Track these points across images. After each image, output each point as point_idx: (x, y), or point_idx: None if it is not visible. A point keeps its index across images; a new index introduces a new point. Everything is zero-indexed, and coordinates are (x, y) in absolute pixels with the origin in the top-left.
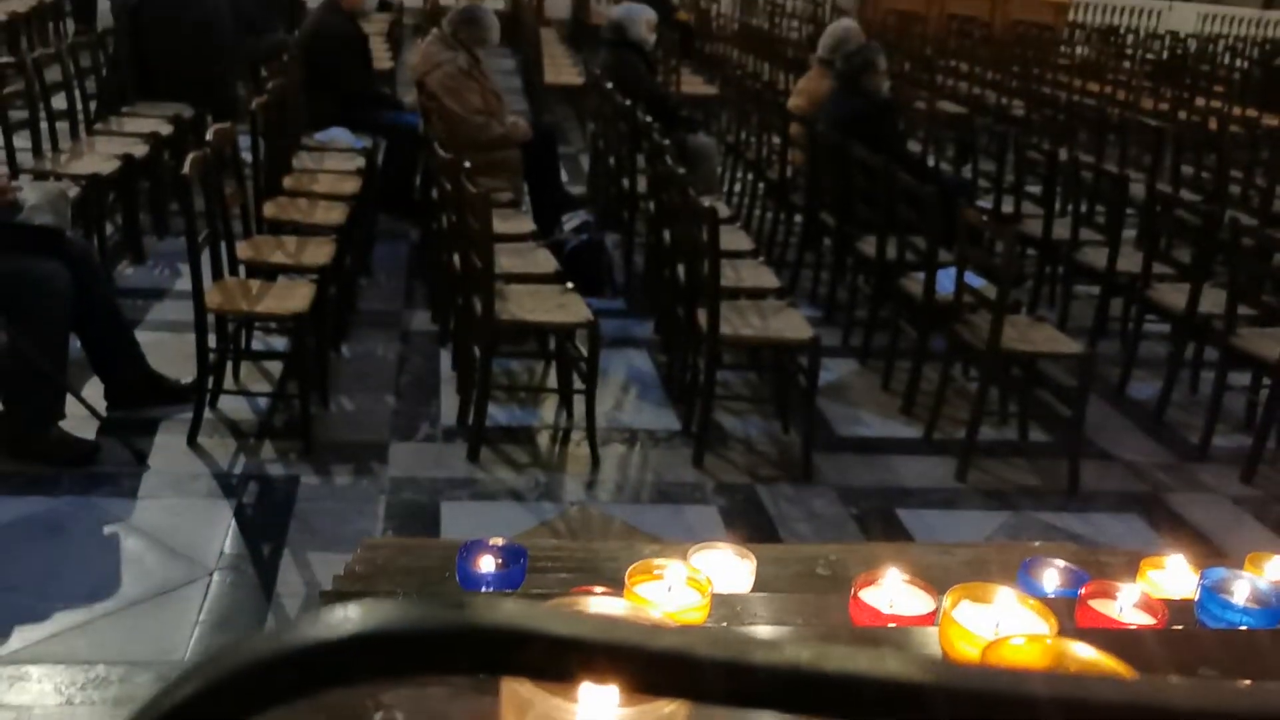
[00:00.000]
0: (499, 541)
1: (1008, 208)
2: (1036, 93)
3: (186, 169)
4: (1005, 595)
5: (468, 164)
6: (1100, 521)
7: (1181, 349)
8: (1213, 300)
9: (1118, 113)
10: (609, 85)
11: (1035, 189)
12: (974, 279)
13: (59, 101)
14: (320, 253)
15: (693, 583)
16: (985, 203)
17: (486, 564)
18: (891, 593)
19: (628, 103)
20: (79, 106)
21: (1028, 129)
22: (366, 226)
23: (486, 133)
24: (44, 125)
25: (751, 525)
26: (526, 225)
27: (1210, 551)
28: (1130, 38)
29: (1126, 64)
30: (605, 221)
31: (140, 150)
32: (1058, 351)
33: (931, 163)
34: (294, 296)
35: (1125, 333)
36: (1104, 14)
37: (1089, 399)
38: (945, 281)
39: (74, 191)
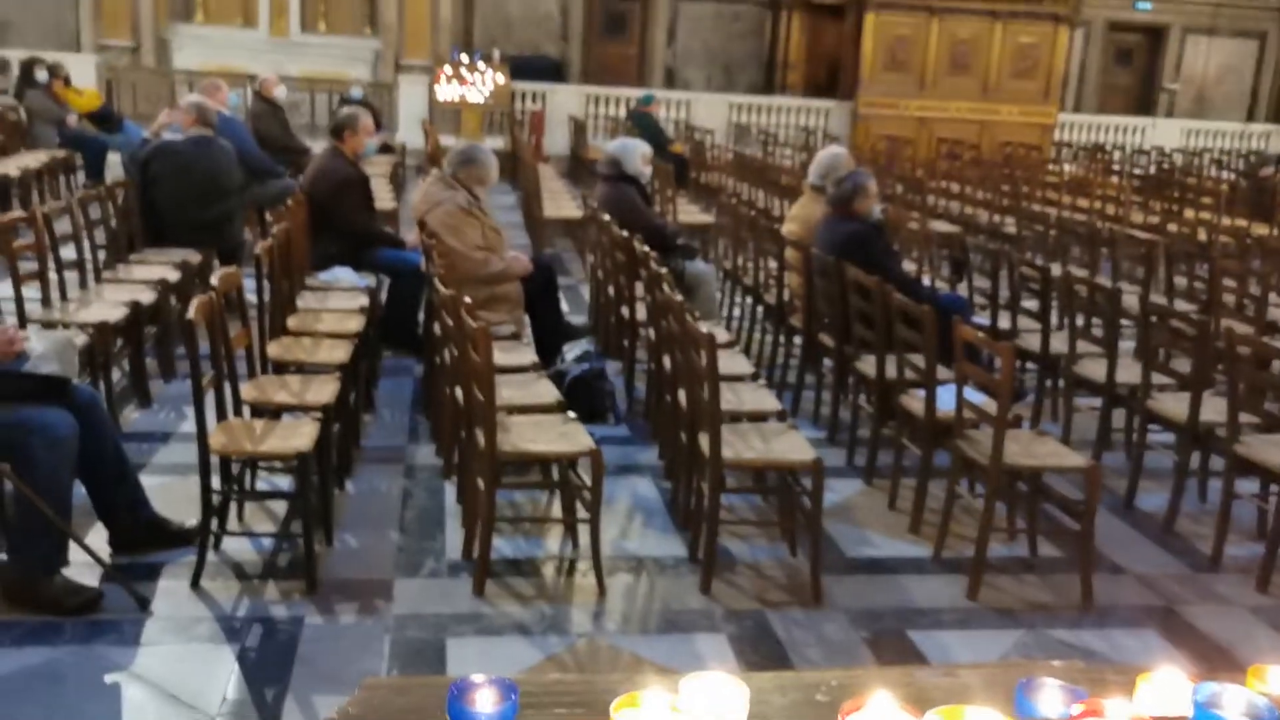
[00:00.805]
0: (489, 679)
1: (1005, 323)
2: (1027, 210)
3: (192, 313)
4: (986, 717)
5: (468, 299)
6: (1115, 637)
7: (1187, 459)
8: (1215, 409)
9: (1108, 227)
10: (607, 217)
11: (1031, 304)
12: (974, 395)
13: (68, 252)
14: (324, 390)
15: (676, 713)
16: (982, 319)
17: (478, 702)
18: (877, 719)
19: (626, 233)
20: (88, 256)
21: (1020, 246)
22: (370, 363)
23: (487, 268)
24: (53, 276)
25: (761, 652)
26: (528, 356)
27: (1227, 664)
28: (1116, 154)
29: (1114, 179)
30: (606, 350)
31: (148, 297)
32: (1063, 465)
33: (927, 281)
34: (298, 435)
35: (1130, 444)
36: (1089, 132)
37: (1098, 512)
38: (946, 398)
39: (82, 340)
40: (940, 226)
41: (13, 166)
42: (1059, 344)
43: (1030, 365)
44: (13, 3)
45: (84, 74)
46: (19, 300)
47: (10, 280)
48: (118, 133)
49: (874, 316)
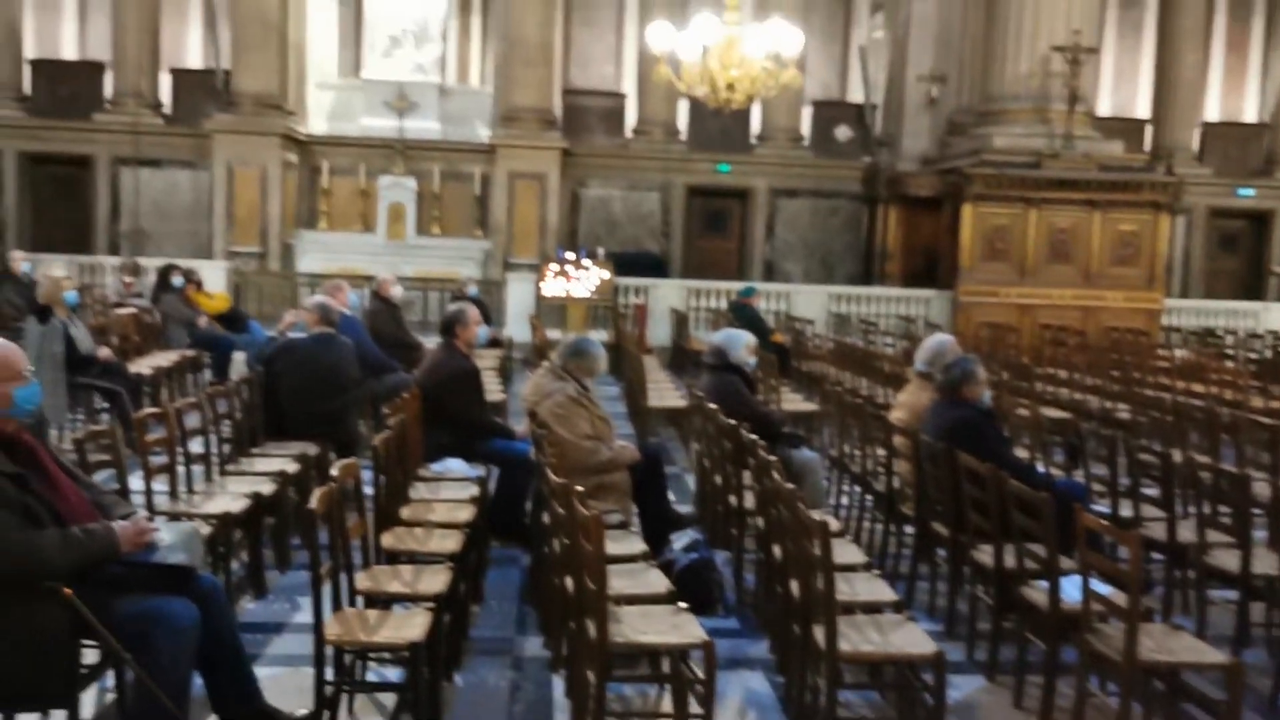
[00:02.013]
0: None
1: (1126, 511)
2: (1140, 395)
3: (314, 503)
4: None
5: (580, 488)
6: None
7: None
8: None
9: (1228, 412)
10: (713, 406)
11: (1152, 491)
12: (1100, 586)
13: (196, 445)
14: (436, 581)
15: None
16: (1101, 507)
17: None
18: None
19: (732, 422)
20: (213, 450)
21: (1135, 431)
22: (480, 553)
23: (596, 457)
24: (181, 469)
25: None
26: (637, 546)
27: None
28: (1229, 338)
29: (1229, 364)
30: (714, 539)
31: (268, 488)
32: (1201, 662)
33: (1041, 468)
34: (411, 626)
35: (1271, 639)
36: (1197, 317)
37: (1241, 713)
38: (1070, 590)
39: (205, 530)
40: (1051, 413)
41: (146, 366)
42: (1186, 532)
43: (1156, 555)
44: (153, 215)
45: (215, 279)
46: (148, 492)
47: (142, 473)
48: (244, 333)
49: (989, 504)
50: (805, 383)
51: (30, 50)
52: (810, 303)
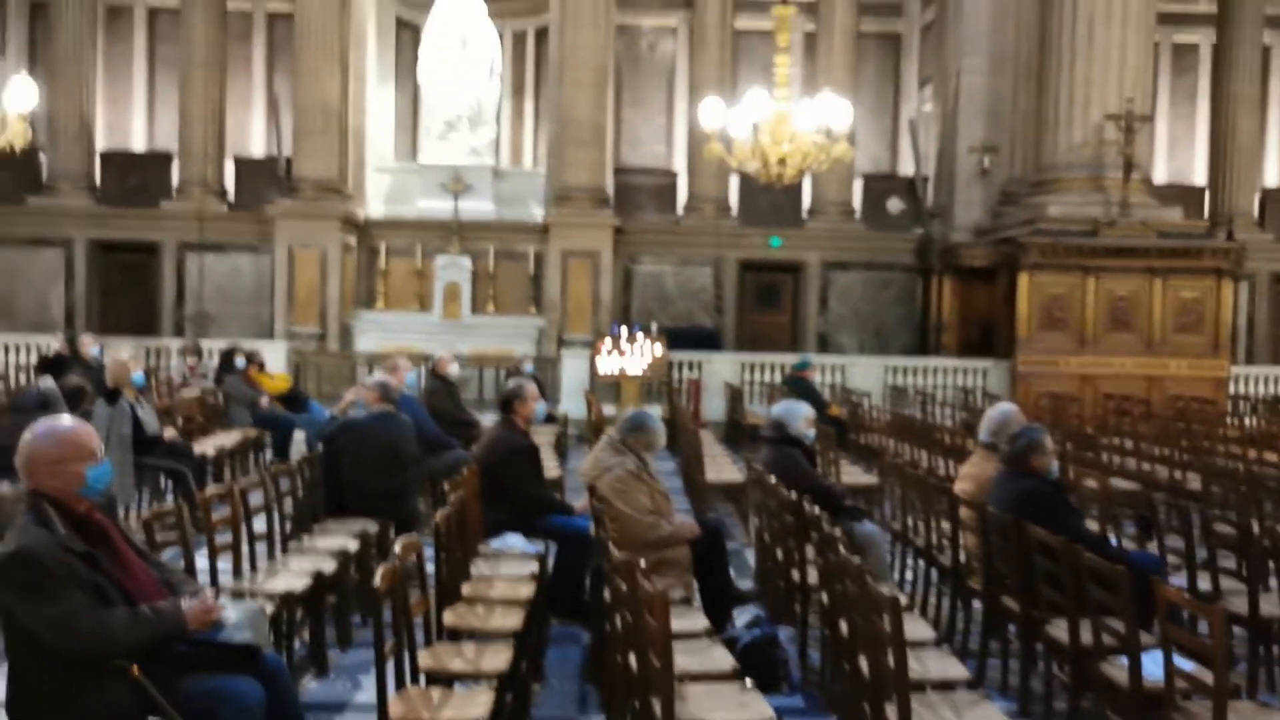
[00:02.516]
0: None
1: (1204, 585)
2: (1210, 465)
3: (378, 581)
4: None
5: (641, 563)
6: None
7: None
8: None
9: None
10: (772, 480)
11: (1229, 563)
12: (1182, 662)
13: (259, 524)
14: (498, 658)
15: None
16: (1178, 580)
17: None
18: None
19: (793, 495)
20: (276, 528)
21: (1208, 502)
22: (540, 630)
23: (656, 532)
24: (245, 547)
25: None
26: (699, 622)
27: None
28: None
29: None
30: (776, 615)
31: (329, 566)
32: None
33: (1113, 541)
34: (474, 705)
35: None
36: (1265, 384)
37: None
38: (1151, 666)
39: (269, 609)
40: (1120, 484)
41: (210, 446)
42: (1269, 606)
43: (1237, 629)
44: (217, 298)
45: (275, 359)
46: (213, 571)
47: (207, 551)
48: (304, 412)
49: (1063, 577)
50: (864, 455)
51: (101, 143)
52: (866, 375)
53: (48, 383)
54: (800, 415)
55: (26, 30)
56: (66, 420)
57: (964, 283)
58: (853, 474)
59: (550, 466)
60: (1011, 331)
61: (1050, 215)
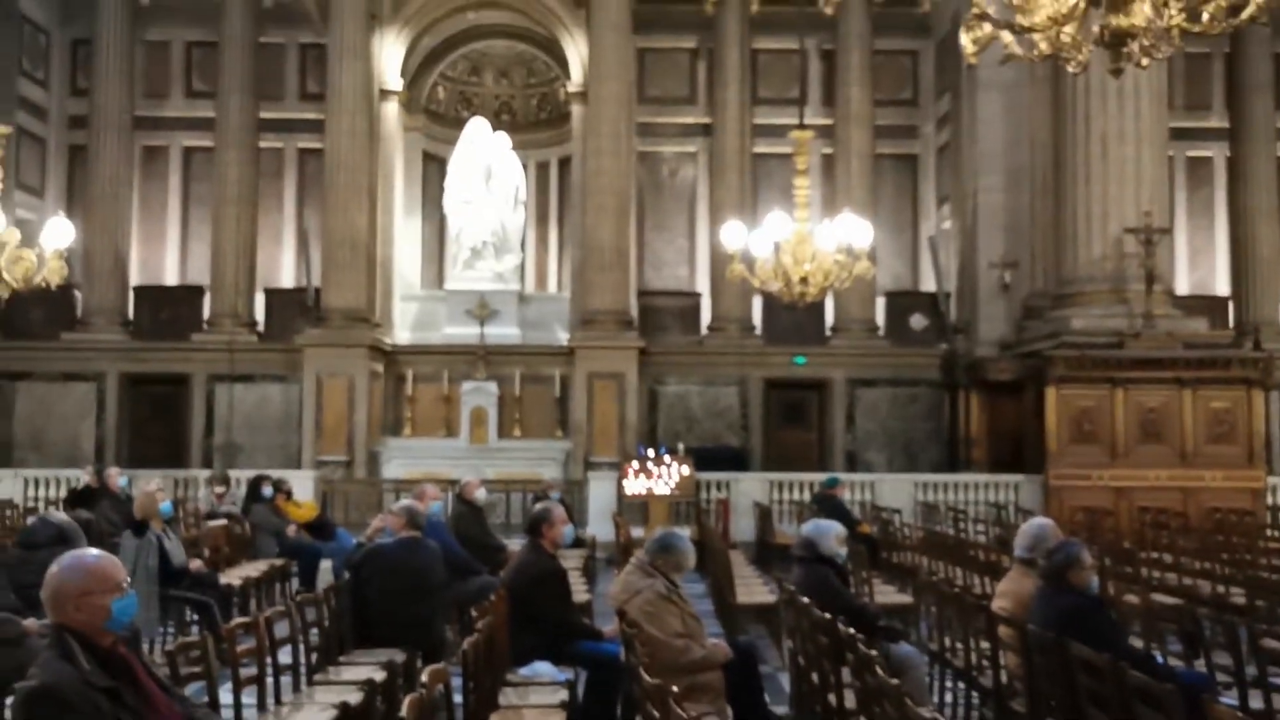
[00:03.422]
0: None
1: (1256, 703)
2: (1255, 578)
3: (405, 713)
4: None
5: (675, 688)
6: None
7: None
8: None
9: None
10: (805, 600)
11: None
12: None
13: (284, 655)
14: None
15: None
16: (1229, 699)
17: None
18: None
19: (827, 616)
20: (302, 659)
21: (1254, 616)
22: None
23: (688, 655)
24: (270, 680)
25: None
26: None
27: None
28: None
29: None
30: None
31: (356, 698)
32: None
33: (1159, 658)
34: None
35: None
36: None
37: None
38: None
39: None
40: (1161, 599)
41: (236, 576)
42: None
43: None
44: (245, 428)
45: (303, 488)
46: (237, 705)
47: (231, 684)
48: (331, 541)
49: (1109, 697)
50: (897, 574)
51: (135, 278)
52: (895, 492)
53: (61, 515)
54: (831, 534)
55: (65, 171)
56: (93, 552)
57: (991, 397)
58: (886, 593)
59: (579, 590)
60: (1041, 446)
61: (1074, 328)
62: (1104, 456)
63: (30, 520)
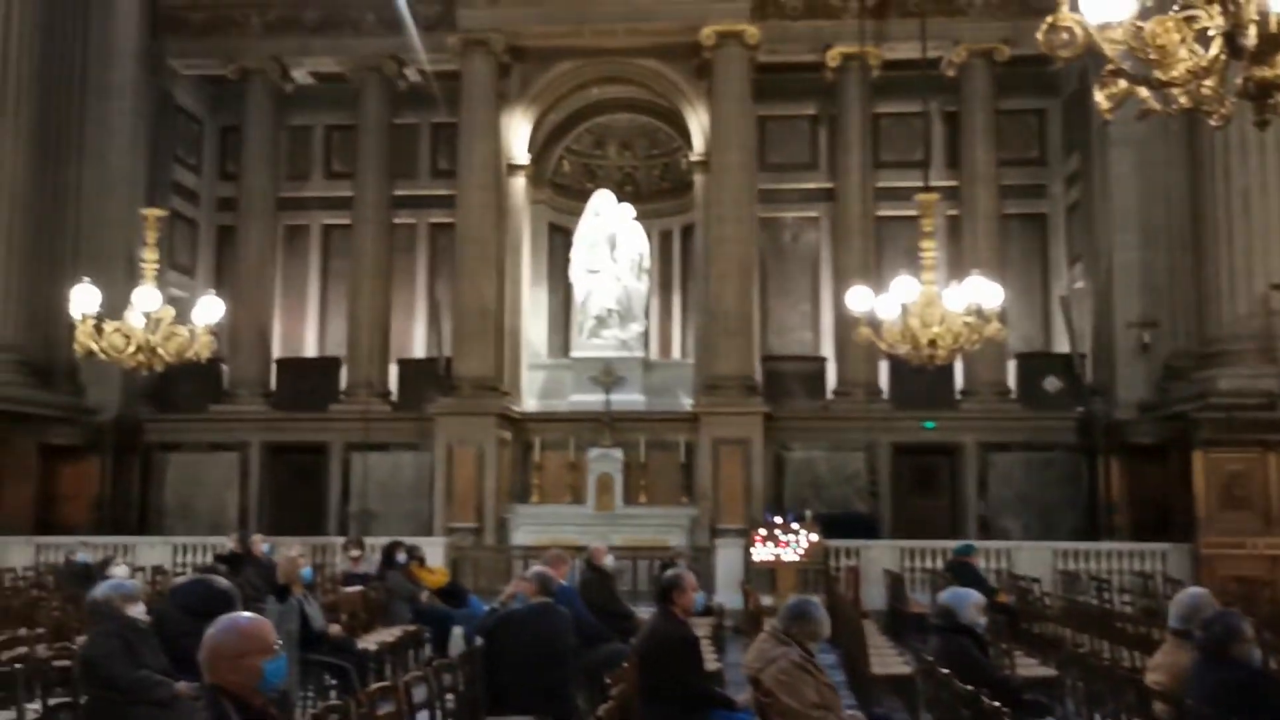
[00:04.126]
0: None
1: None
2: None
3: None
4: None
5: None
6: None
7: None
8: None
9: None
10: (944, 671)
11: None
12: None
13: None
14: None
15: None
16: None
17: None
18: None
19: (969, 688)
20: None
21: None
22: None
23: None
24: None
25: None
26: None
27: None
28: None
29: None
30: None
31: None
32: None
33: None
34: None
35: None
36: None
37: None
38: None
39: None
40: None
41: (372, 641)
42: None
43: None
44: (379, 496)
45: (434, 554)
46: None
47: None
48: (463, 607)
49: None
50: (1037, 645)
51: (277, 350)
52: (1033, 560)
53: (220, 580)
54: (971, 602)
55: (214, 251)
56: (247, 615)
57: (1132, 462)
58: (1028, 665)
59: (708, 659)
60: (1189, 512)
61: (1221, 389)
62: (1257, 523)
63: (185, 581)
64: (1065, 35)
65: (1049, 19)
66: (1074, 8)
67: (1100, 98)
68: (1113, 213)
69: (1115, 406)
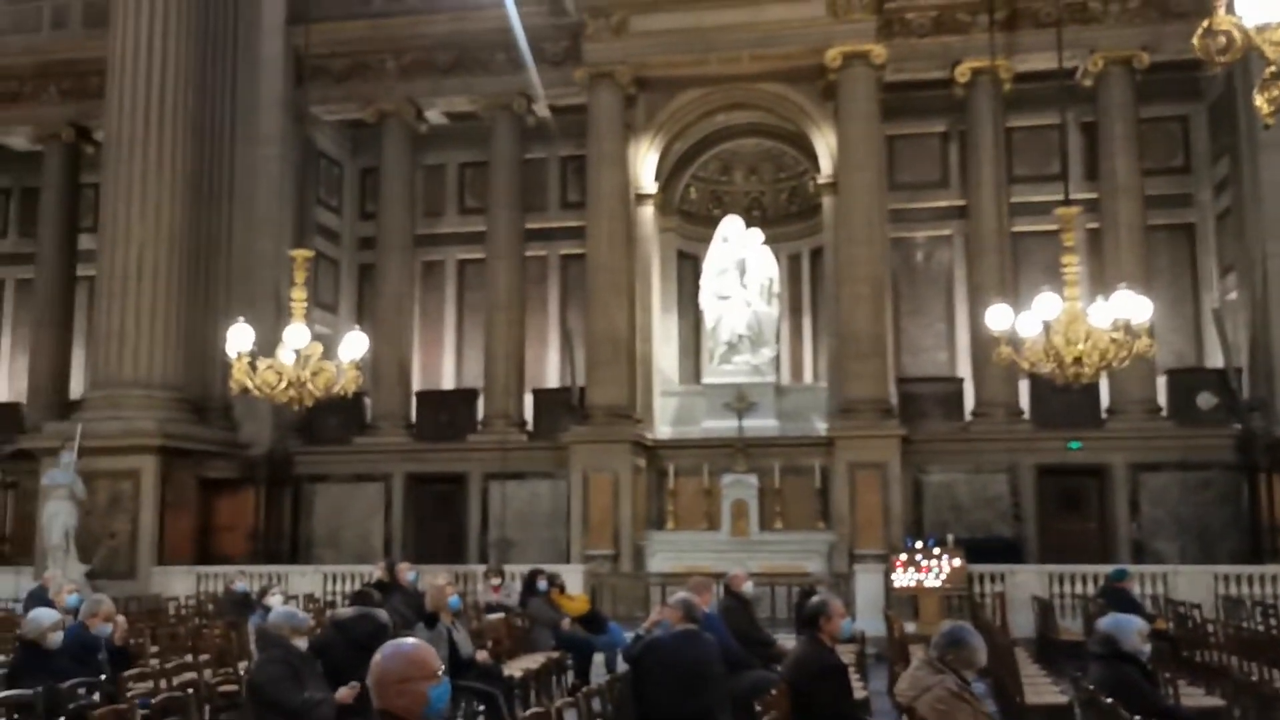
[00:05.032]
0: None
1: None
2: None
3: None
4: None
5: None
6: None
7: None
8: None
9: None
10: (1108, 701)
11: None
12: None
13: None
14: None
15: None
16: None
17: None
18: None
19: (1135, 719)
20: None
21: None
22: None
23: None
24: None
25: None
26: None
27: None
28: None
29: None
30: None
31: None
32: None
33: None
34: None
35: None
36: None
37: None
38: None
39: None
40: None
41: (517, 668)
42: None
43: None
44: (517, 524)
45: (572, 581)
46: None
47: None
48: (603, 634)
49: None
50: (1200, 674)
51: (417, 383)
52: (1192, 585)
53: (379, 611)
54: (1134, 629)
55: (356, 288)
56: (412, 641)
57: None
58: (1193, 695)
59: (855, 686)
60: None
61: None
62: None
63: (352, 615)
64: (1223, 39)
65: (1205, 23)
66: (1229, 8)
67: (1260, 102)
68: (1266, 219)
69: (1276, 423)
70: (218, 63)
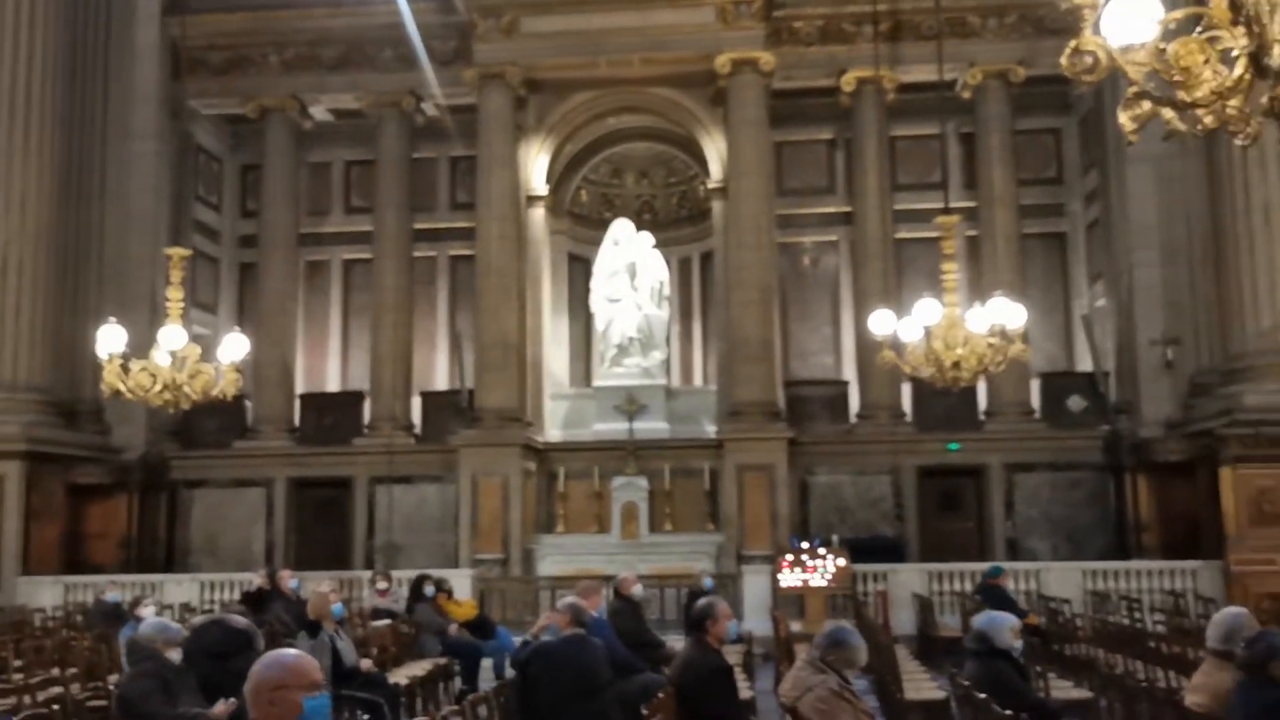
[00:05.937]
0: None
1: None
2: None
3: None
4: None
5: None
6: None
7: None
8: None
9: None
10: (982, 696)
11: None
12: None
13: None
14: None
15: None
16: None
17: None
18: None
19: (1008, 713)
20: None
21: None
22: None
23: None
24: None
25: None
26: None
27: None
28: None
29: None
30: None
31: None
32: None
33: None
34: None
35: None
36: None
37: None
38: None
39: None
40: None
41: (403, 675)
42: None
43: None
44: (404, 529)
45: (461, 586)
46: None
47: None
48: (491, 639)
49: None
50: (1070, 667)
51: (300, 386)
52: (1063, 581)
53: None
54: (1006, 626)
55: (236, 288)
56: (294, 651)
57: (1160, 479)
58: (1063, 688)
59: (741, 687)
60: (1218, 529)
61: (1248, 405)
62: None
63: (202, 622)
64: (1089, 59)
65: (1072, 44)
66: (1095, 29)
67: (1124, 120)
68: (1132, 230)
69: (1141, 424)
70: (89, 52)
